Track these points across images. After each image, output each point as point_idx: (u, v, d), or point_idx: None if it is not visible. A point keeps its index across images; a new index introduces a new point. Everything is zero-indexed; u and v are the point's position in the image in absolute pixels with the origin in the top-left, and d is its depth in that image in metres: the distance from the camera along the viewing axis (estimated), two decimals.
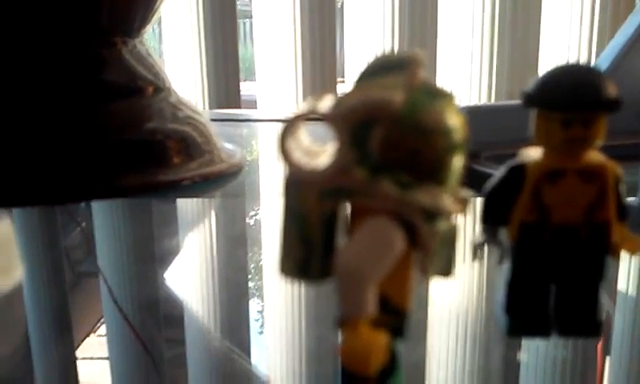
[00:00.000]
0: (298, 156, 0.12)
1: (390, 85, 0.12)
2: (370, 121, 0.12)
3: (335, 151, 0.12)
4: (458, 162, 0.12)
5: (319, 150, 0.13)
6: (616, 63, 0.37)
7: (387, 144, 0.12)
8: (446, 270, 0.13)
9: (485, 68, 0.74)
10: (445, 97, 0.12)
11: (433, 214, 0.12)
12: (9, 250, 0.21)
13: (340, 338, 0.11)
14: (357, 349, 0.11)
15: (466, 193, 0.13)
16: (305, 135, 0.13)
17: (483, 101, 0.73)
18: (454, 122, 0.12)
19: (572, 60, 0.69)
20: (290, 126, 0.12)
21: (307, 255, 0.13)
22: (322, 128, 0.12)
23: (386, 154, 0.12)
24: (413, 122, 0.12)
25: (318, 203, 0.12)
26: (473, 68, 0.74)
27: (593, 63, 0.58)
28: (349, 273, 0.11)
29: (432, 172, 0.12)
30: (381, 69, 0.12)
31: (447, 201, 0.12)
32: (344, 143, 0.12)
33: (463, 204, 0.13)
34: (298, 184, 0.12)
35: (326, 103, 0.12)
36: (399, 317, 0.13)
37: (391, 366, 0.12)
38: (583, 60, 0.71)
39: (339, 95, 0.12)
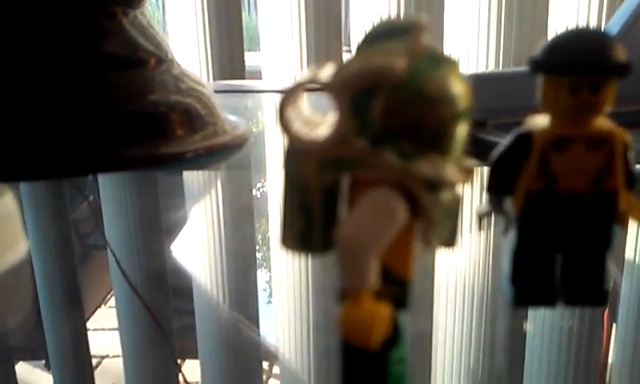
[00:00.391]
0: (297, 126, 0.12)
1: (392, 51, 0.11)
2: (370, 89, 0.11)
3: (335, 121, 0.12)
4: (462, 131, 0.12)
5: (320, 120, 0.13)
6: (627, 27, 0.36)
7: (389, 112, 0.11)
8: (450, 240, 0.13)
9: (492, 33, 0.72)
10: (449, 63, 0.12)
11: (435, 184, 0.12)
12: (12, 224, 0.21)
13: (341, 310, 0.11)
14: (358, 321, 0.11)
15: (470, 162, 0.13)
16: (305, 105, 0.13)
17: (490, 67, 0.72)
18: (458, 89, 0.12)
19: (582, 24, 0.68)
20: (289, 95, 0.12)
21: (308, 227, 0.13)
22: (323, 98, 0.12)
23: (387, 123, 0.11)
24: (415, 89, 0.11)
25: (318, 174, 0.12)
26: (480, 33, 0.73)
27: (603, 27, 0.57)
28: (350, 244, 0.11)
29: (435, 141, 0.12)
30: (383, 35, 0.12)
31: (450, 171, 0.12)
32: (344, 112, 0.12)
33: (467, 173, 0.12)
34: (298, 155, 0.12)
35: (326, 72, 0.12)
36: (402, 288, 0.13)
37: (394, 337, 0.12)
38: (593, 24, 0.70)
39: (341, 63, 0.12)
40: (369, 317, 0.11)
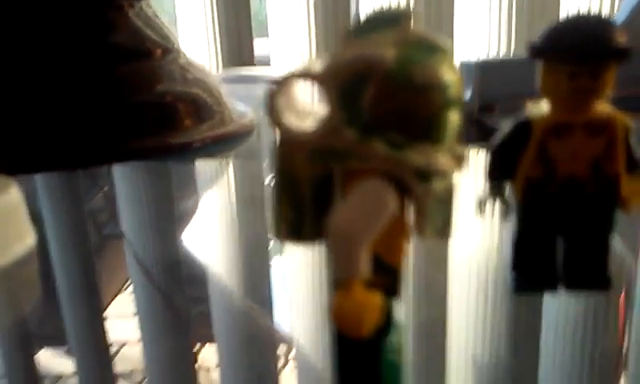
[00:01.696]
0: (288, 117, 0.12)
1: (381, 41, 0.11)
2: (360, 78, 0.11)
3: (325, 112, 0.12)
4: (453, 119, 0.12)
5: (313, 110, 0.13)
6: (634, 12, 0.35)
7: (378, 102, 0.11)
8: (444, 230, 0.13)
9: (504, 20, 0.71)
10: (439, 51, 0.12)
11: (427, 173, 0.12)
12: (19, 216, 0.22)
13: (333, 299, 0.11)
14: (350, 310, 0.11)
15: (463, 150, 0.13)
16: (298, 96, 0.13)
17: (502, 54, 0.71)
18: (449, 77, 0.12)
19: (592, 11, 0.67)
20: (280, 86, 0.12)
21: (299, 217, 0.13)
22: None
23: (376, 113, 0.11)
24: (404, 78, 0.11)
25: (308, 165, 0.12)
26: (491, 20, 0.72)
27: (614, 14, 0.55)
28: (341, 234, 0.11)
29: (425, 130, 0.12)
30: (373, 25, 0.12)
31: (442, 159, 0.12)
32: (333, 103, 0.12)
33: (459, 162, 0.12)
34: (288, 145, 0.12)
35: (318, 63, 0.12)
36: (393, 276, 0.13)
37: (387, 326, 0.12)
38: (604, 11, 0.68)
39: (329, 54, 0.12)
40: (360, 306, 0.11)
